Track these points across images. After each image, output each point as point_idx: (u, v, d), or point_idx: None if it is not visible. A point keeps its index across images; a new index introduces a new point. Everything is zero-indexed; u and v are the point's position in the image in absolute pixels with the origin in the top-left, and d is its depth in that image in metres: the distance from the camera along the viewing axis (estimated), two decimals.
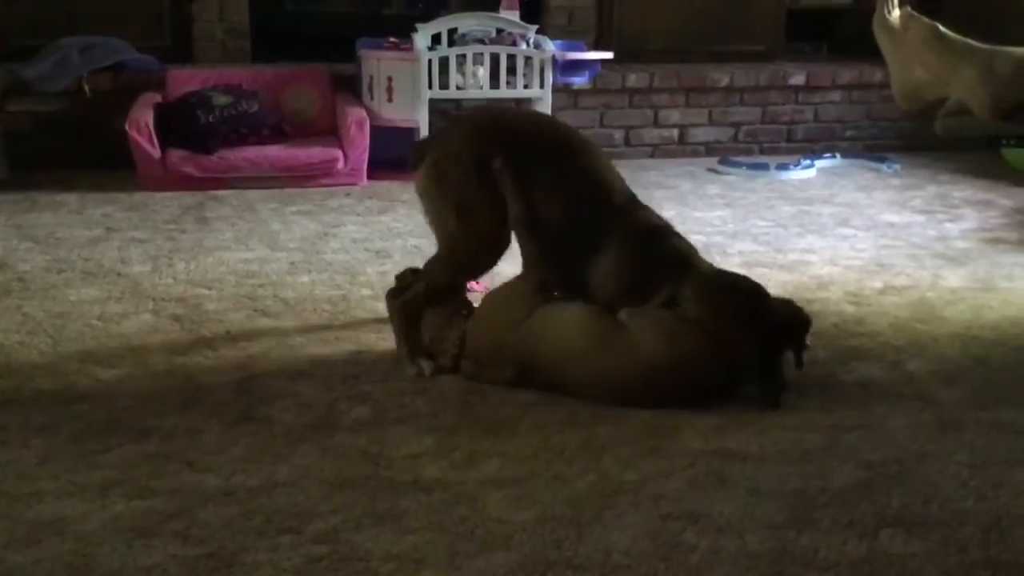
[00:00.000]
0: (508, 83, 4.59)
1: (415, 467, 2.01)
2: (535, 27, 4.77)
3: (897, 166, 5.09)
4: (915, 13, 2.80)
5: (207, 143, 4.41)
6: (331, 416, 2.24)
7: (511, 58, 4.58)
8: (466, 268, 2.57)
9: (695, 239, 3.71)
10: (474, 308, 2.52)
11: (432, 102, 4.54)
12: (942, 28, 2.73)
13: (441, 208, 2.50)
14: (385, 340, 2.61)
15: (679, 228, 3.93)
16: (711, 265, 2.52)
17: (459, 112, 2.72)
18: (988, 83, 2.62)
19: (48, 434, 2.13)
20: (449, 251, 2.52)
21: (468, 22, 4.72)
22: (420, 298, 2.51)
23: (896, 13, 2.82)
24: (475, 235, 2.47)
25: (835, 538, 1.78)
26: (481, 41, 4.63)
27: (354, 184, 4.52)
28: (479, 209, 2.45)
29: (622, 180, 2.57)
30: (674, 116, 5.35)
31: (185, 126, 4.46)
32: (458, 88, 4.56)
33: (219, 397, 2.32)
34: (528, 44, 4.65)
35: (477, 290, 2.83)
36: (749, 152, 5.42)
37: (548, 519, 1.83)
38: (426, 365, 2.45)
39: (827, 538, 1.78)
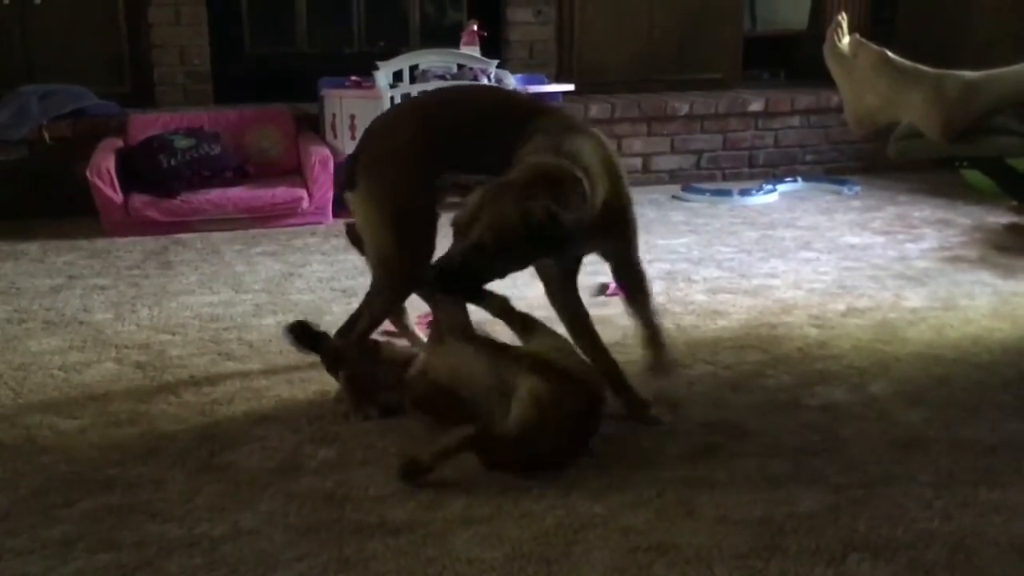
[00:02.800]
0: None
1: (382, 509, 1.99)
2: (496, 61, 4.81)
3: (857, 188, 5.17)
4: (864, 40, 2.85)
5: (170, 187, 4.39)
6: (297, 459, 2.22)
7: None
8: (403, 282, 2.46)
9: (660, 267, 3.77)
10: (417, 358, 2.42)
11: None
12: (891, 54, 2.78)
13: (376, 217, 2.41)
14: None
15: (646, 256, 3.97)
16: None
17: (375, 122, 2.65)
18: (938, 106, 2.66)
19: (9, 488, 2.10)
20: (384, 265, 2.44)
21: (429, 59, 4.75)
22: (365, 335, 2.49)
23: (846, 40, 2.87)
24: (409, 241, 2.39)
25: (803, 565, 1.78)
26: (442, 77, 4.66)
27: (319, 223, 4.51)
28: (414, 212, 2.38)
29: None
30: (636, 145, 5.40)
31: (147, 170, 4.45)
32: None
33: (182, 445, 2.30)
34: (489, 79, 4.68)
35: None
36: (712, 179, 5.48)
37: (517, 557, 1.82)
38: (372, 411, 2.42)
39: (795, 565, 1.78)
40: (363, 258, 2.59)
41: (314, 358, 2.80)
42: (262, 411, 2.48)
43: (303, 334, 2.51)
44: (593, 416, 2.20)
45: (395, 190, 2.40)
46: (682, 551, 1.83)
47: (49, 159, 4.62)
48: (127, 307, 3.34)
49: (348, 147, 4.60)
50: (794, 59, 6.49)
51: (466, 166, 2.36)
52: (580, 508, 1.98)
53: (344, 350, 2.47)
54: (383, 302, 2.49)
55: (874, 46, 2.81)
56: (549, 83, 4.98)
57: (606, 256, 2.44)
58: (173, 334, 3.07)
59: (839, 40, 2.86)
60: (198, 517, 1.96)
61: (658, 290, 3.46)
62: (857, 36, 2.86)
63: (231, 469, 2.18)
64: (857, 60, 2.81)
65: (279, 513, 1.98)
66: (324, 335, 2.51)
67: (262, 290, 3.53)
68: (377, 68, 4.60)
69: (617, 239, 2.38)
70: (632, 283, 2.46)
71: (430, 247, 2.41)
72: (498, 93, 2.64)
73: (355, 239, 2.64)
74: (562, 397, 2.10)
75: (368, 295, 2.51)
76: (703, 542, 1.86)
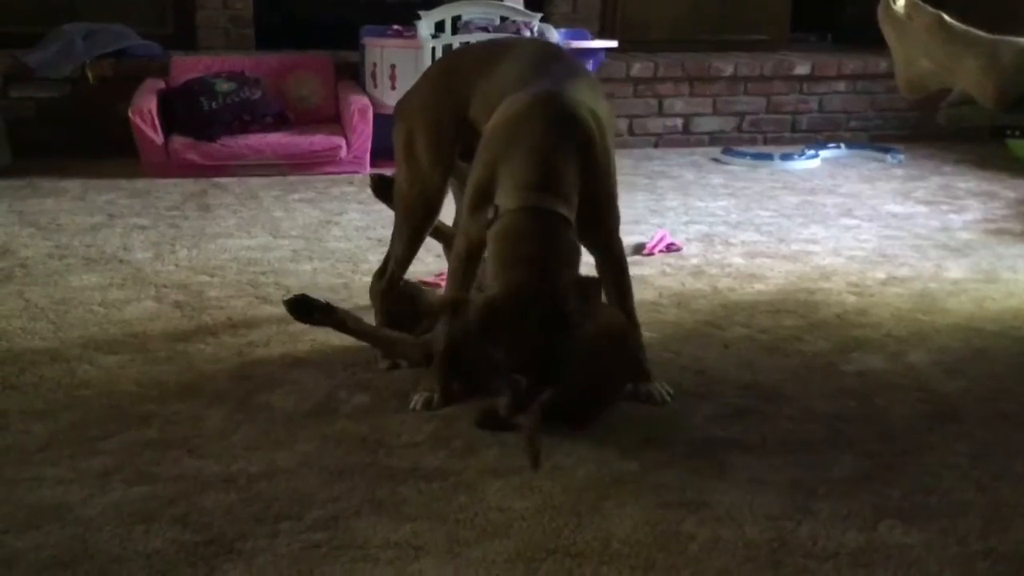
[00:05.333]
0: None
1: (415, 455, 2.01)
2: (539, 15, 4.75)
3: (901, 156, 5.08)
4: (920, 2, 2.77)
5: (210, 130, 4.41)
6: (331, 403, 2.24)
7: None
8: (412, 219, 2.46)
9: (698, 229, 3.74)
10: None
11: None
12: (947, 18, 2.71)
13: (397, 150, 2.47)
14: None
15: (683, 218, 3.95)
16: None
17: None
18: (993, 73, 2.59)
19: (49, 420, 2.13)
20: (398, 200, 2.48)
21: (472, 10, 4.70)
22: (395, 277, 2.50)
23: (901, 3, 2.79)
24: (418, 177, 2.41)
25: (834, 528, 1.78)
26: (485, 29, 4.62)
27: (357, 172, 4.51)
28: (425, 148, 2.40)
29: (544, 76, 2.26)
30: (678, 105, 5.34)
31: (188, 113, 4.46)
32: None
33: (220, 384, 2.33)
34: (532, 32, 4.63)
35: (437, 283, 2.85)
36: (753, 142, 5.41)
37: (547, 508, 1.83)
38: (402, 360, 2.42)
39: (826, 528, 1.78)
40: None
41: (350, 305, 2.84)
42: (298, 355, 2.50)
43: (304, 308, 2.41)
44: None
45: (411, 126, 2.43)
46: (713, 509, 1.83)
47: (92, 98, 4.64)
48: (166, 247, 3.37)
49: (388, 97, 4.59)
50: (842, 22, 6.36)
51: (478, 114, 2.35)
52: (612, 463, 1.99)
53: (346, 318, 2.43)
54: (403, 241, 2.50)
55: (930, 9, 2.73)
56: (592, 39, 4.92)
57: (585, 246, 2.26)
58: (211, 276, 3.09)
59: (894, 2, 2.79)
60: (234, 455, 1.99)
61: (695, 252, 3.45)
62: None
63: (267, 410, 2.20)
64: (911, 23, 2.74)
65: (314, 454, 2.00)
66: (327, 306, 2.42)
67: (299, 236, 3.54)
68: (419, 18, 4.57)
69: (594, 233, 2.23)
70: (611, 277, 2.29)
71: (438, 187, 2.42)
72: (527, 45, 2.59)
73: (379, 192, 2.65)
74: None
75: (391, 237, 2.55)
76: (734, 501, 1.86)
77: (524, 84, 2.22)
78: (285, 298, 2.44)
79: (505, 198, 2.09)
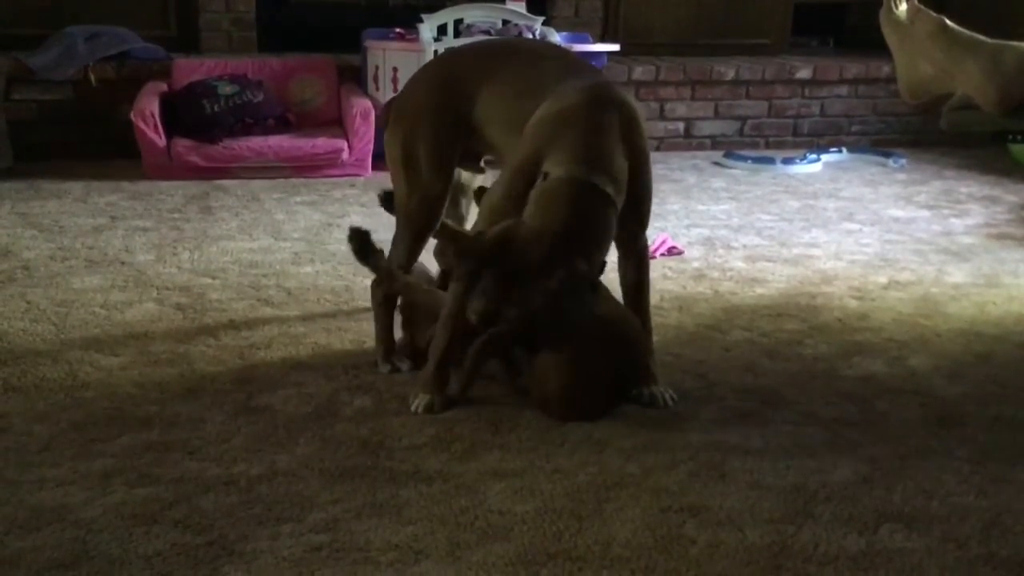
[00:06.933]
0: None
1: (416, 458, 2.01)
2: (541, 19, 4.76)
3: (903, 161, 5.08)
4: (922, 7, 2.78)
5: (212, 132, 4.41)
6: (332, 406, 2.24)
7: None
8: (415, 228, 2.45)
9: (700, 232, 3.74)
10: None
11: None
12: (949, 22, 2.71)
13: (392, 156, 2.44)
14: None
15: (684, 222, 3.95)
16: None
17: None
18: (995, 78, 2.60)
19: (51, 421, 2.14)
20: (399, 208, 2.47)
21: (474, 13, 4.71)
22: (394, 282, 2.49)
23: (903, 7, 2.80)
24: (418, 184, 2.40)
25: (835, 533, 1.78)
26: (487, 32, 4.62)
27: (359, 175, 4.52)
28: (425, 154, 2.38)
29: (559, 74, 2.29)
30: (680, 109, 5.34)
31: (190, 115, 4.47)
32: None
33: (221, 386, 2.33)
34: (534, 36, 4.64)
35: None
36: (755, 146, 5.41)
37: (548, 511, 1.83)
38: (403, 364, 2.43)
39: (827, 533, 1.78)
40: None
41: (351, 308, 2.84)
42: (299, 357, 2.50)
43: (362, 244, 2.52)
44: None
45: (410, 131, 2.41)
46: (714, 513, 1.83)
47: (94, 100, 4.65)
48: (168, 249, 3.37)
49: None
50: (844, 27, 6.36)
51: (485, 116, 2.34)
52: (613, 467, 1.99)
53: (393, 275, 2.44)
54: (403, 248, 2.49)
55: (932, 13, 2.74)
56: (594, 42, 4.92)
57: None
58: (213, 278, 3.09)
59: (896, 6, 2.79)
60: (235, 457, 1.99)
61: (696, 255, 3.45)
62: (915, 3, 2.79)
63: (268, 412, 2.20)
64: (914, 27, 2.74)
65: (315, 457, 2.00)
66: (381, 253, 2.52)
67: (300, 239, 3.54)
68: (421, 21, 4.57)
69: (628, 222, 2.23)
70: (632, 273, 2.32)
71: (440, 194, 2.41)
72: (535, 47, 2.57)
73: (387, 205, 2.66)
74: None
75: (392, 242, 2.53)
76: (735, 505, 1.86)
77: (549, 84, 2.23)
78: (352, 227, 2.57)
79: (554, 168, 2.12)
